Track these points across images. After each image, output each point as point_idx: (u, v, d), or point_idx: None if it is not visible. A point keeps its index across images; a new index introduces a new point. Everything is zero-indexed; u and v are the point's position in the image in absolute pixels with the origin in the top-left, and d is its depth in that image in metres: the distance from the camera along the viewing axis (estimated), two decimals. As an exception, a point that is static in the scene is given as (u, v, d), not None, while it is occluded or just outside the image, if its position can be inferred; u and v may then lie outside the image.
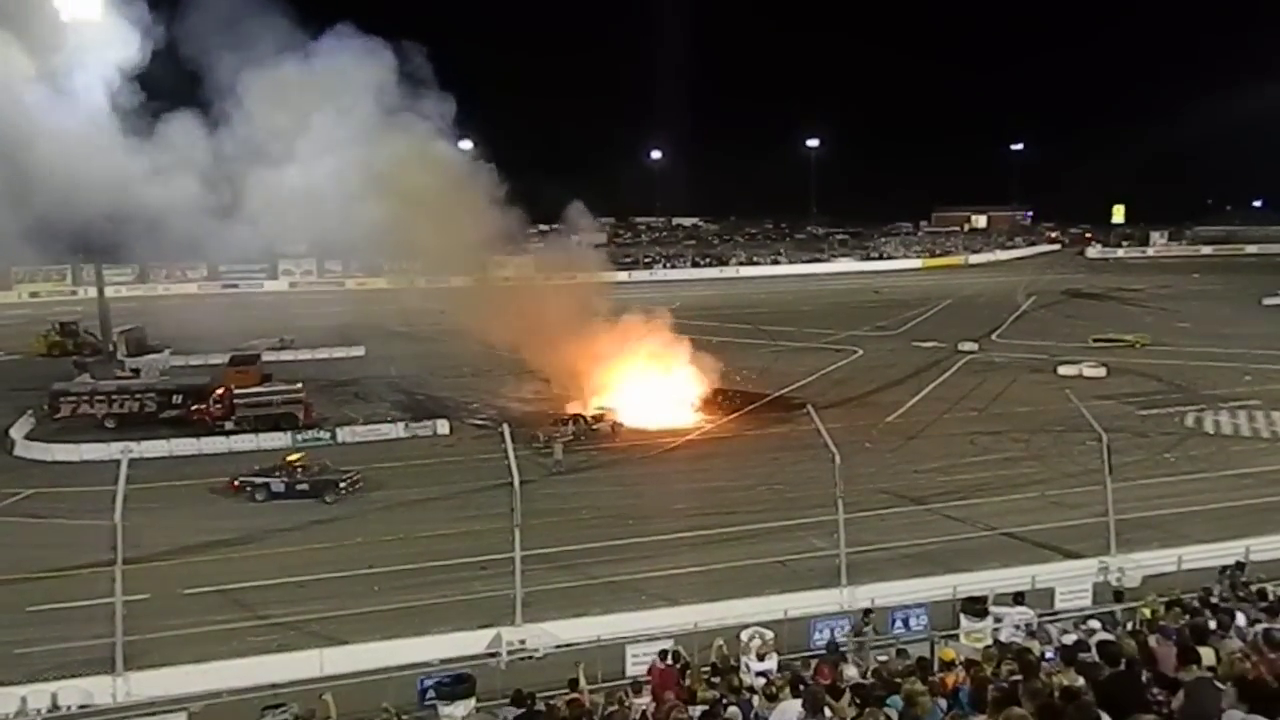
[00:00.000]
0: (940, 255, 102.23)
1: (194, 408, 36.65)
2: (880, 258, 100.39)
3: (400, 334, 50.61)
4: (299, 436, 35.21)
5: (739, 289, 79.39)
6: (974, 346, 50.62)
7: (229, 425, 35.96)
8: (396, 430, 36.22)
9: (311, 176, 33.20)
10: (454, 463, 32.25)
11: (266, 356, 46.38)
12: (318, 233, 34.34)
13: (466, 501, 28.09)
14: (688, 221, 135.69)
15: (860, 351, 51.17)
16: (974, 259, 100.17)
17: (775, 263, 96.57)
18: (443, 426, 36.53)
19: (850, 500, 21.43)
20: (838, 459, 20.53)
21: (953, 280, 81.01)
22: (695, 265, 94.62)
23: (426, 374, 44.42)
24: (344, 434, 35.74)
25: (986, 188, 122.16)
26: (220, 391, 37.07)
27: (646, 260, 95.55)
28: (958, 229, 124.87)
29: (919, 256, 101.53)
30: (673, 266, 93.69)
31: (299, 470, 29.71)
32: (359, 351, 49.66)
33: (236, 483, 29.49)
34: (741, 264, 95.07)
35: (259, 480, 29.36)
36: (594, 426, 35.87)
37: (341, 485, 29.26)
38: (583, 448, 33.99)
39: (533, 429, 33.99)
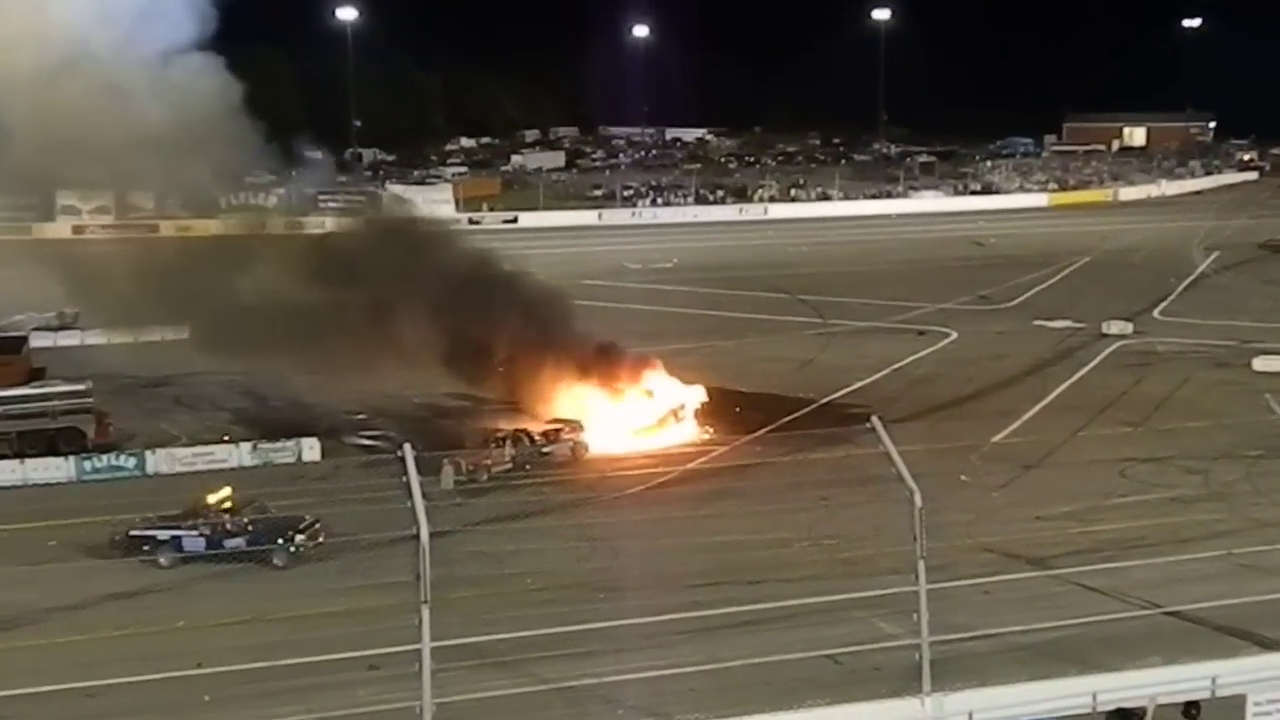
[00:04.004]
0: (1075, 188, 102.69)
1: (-77, 419, 36.53)
2: (984, 191, 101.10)
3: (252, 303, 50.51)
4: (87, 464, 35.21)
5: (768, 238, 79.14)
6: (1127, 327, 51.33)
7: (-21, 446, 36.15)
8: (240, 454, 36.35)
9: None
10: (328, 504, 32.14)
11: (37, 341, 46.12)
12: None
13: (348, 565, 28.32)
14: (690, 134, 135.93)
15: (954, 335, 51.41)
16: (1126, 194, 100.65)
17: (824, 198, 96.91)
18: (311, 448, 36.77)
19: (937, 562, 20.66)
20: (918, 499, 19.91)
21: (1094, 226, 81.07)
22: (701, 201, 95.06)
23: (287, 367, 43.62)
24: (157, 460, 35.80)
25: (1146, 85, 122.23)
26: (-35, 395, 36.85)
27: (627, 193, 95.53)
28: (1102, 148, 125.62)
29: (1043, 190, 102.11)
30: (667, 203, 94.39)
31: (227, 517, 29.84)
32: (181, 334, 49.15)
33: (124, 539, 29.55)
34: (772, 199, 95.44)
35: (163, 535, 29.45)
36: (545, 449, 36.30)
37: (298, 537, 29.49)
38: (529, 480, 34.16)
39: (452, 451, 34.28)
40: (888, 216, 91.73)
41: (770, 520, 31.02)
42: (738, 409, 40.52)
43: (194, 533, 29.48)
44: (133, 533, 29.68)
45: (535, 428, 37.09)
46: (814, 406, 41.04)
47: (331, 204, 66.76)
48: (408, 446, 19.70)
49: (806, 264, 69.08)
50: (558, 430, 37.09)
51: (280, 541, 29.44)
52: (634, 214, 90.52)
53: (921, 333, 52.46)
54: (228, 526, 29.70)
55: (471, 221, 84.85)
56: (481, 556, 28.66)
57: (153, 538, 29.50)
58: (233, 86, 41.61)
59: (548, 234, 79.37)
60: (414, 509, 18.66)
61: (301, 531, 29.78)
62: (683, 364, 43.76)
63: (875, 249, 73.85)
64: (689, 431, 39.79)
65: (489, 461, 34.75)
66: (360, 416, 39.47)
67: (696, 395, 40.53)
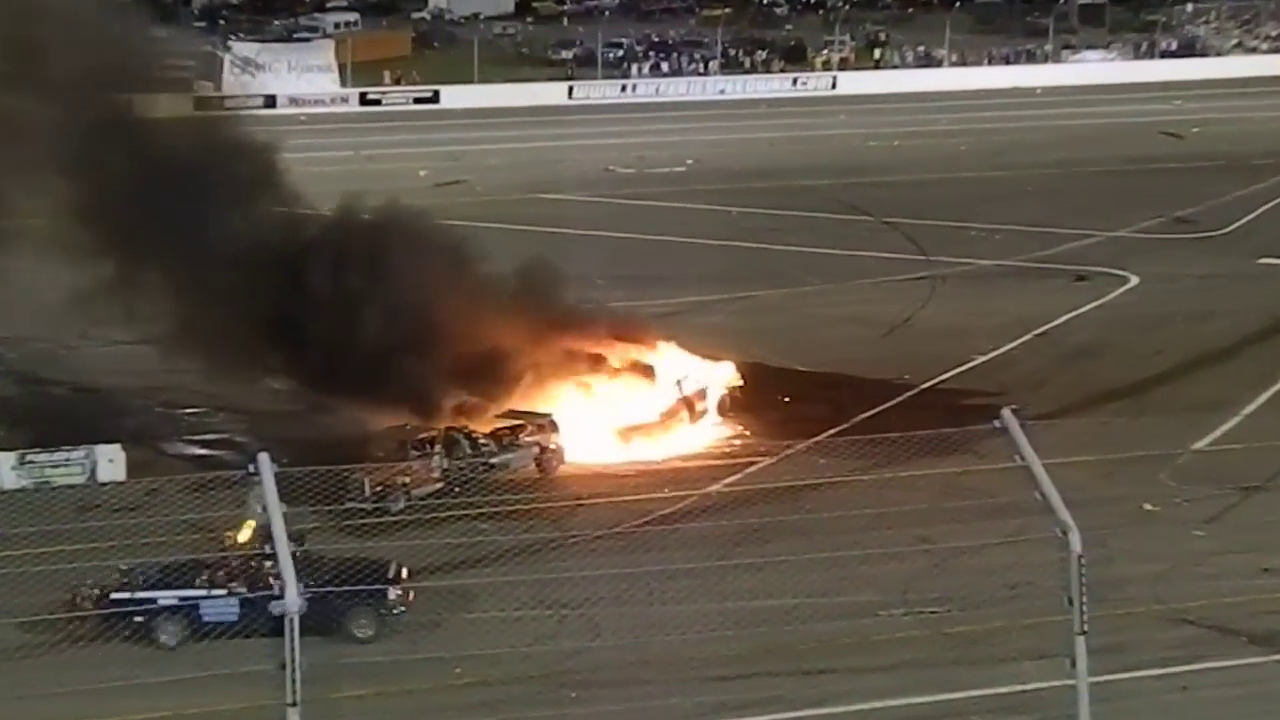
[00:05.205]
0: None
1: None
2: (1183, 52, 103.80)
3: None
4: None
5: (838, 126, 79.33)
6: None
7: None
8: (-1, 473, 36.03)
9: None
10: (137, 549, 30.81)
11: None
12: None
13: (179, 648, 28.34)
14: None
15: (1133, 280, 51.37)
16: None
17: (926, 63, 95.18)
18: (112, 461, 36.72)
19: (1107, 640, 19.78)
20: (1076, 541, 17.71)
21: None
22: (732, 67, 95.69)
23: (79, 336, 44.27)
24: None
25: None
26: None
27: (614, 54, 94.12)
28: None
29: (1276, 50, 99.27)
30: (676, 71, 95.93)
31: (269, 564, 29.34)
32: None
33: (98, 604, 28.72)
34: (844, 64, 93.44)
35: (165, 598, 28.89)
36: (492, 460, 36.13)
37: (393, 592, 29.34)
38: (467, 509, 33.21)
39: (347, 462, 33.41)
40: (1028, 92, 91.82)
41: (841, 575, 29.32)
42: (787, 399, 40.29)
43: (221, 592, 28.38)
44: (114, 595, 28.65)
45: (480, 427, 36.65)
46: (910, 394, 40.46)
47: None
48: (264, 457, 16.50)
49: (897, 168, 69.10)
50: (516, 430, 36.48)
51: (383, 593, 29.26)
52: (625, 88, 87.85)
53: (1081, 277, 51.62)
54: (271, 581, 27.32)
55: (366, 100, 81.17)
56: (386, 634, 28.67)
57: (150, 602, 28.35)
58: None
59: (486, 119, 79.96)
60: (278, 558, 16.21)
61: (392, 581, 29.19)
62: (703, 326, 43.93)
63: (1007, 145, 74.47)
64: (712, 433, 39.33)
65: (407, 479, 33.76)
66: (190, 412, 38.69)
67: (724, 376, 40.19)
